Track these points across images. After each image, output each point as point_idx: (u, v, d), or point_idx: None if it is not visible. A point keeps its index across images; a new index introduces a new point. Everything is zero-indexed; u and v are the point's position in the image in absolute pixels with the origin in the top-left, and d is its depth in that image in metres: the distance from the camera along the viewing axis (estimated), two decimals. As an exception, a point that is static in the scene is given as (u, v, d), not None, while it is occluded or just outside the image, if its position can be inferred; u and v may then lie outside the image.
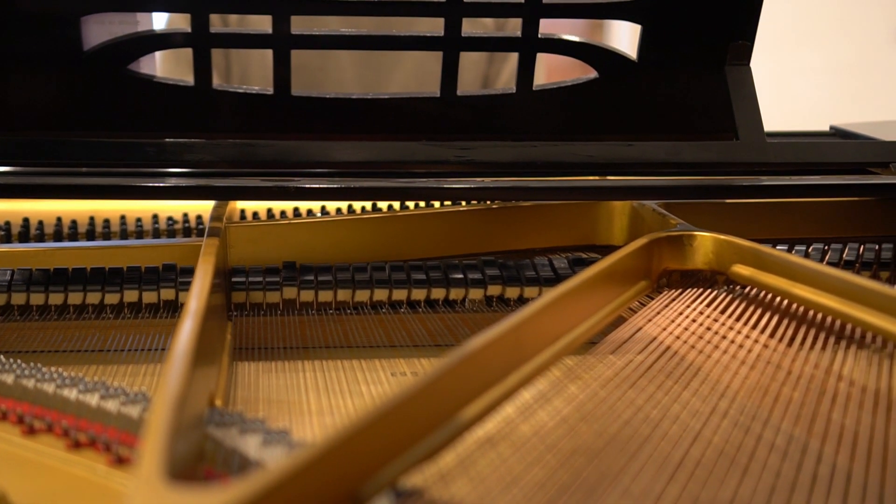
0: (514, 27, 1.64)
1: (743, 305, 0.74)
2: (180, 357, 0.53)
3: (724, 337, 0.69)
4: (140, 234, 0.98)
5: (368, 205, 1.02)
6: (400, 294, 0.83)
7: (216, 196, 0.88)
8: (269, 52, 0.88)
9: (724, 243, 0.79)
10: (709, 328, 0.70)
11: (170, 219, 0.99)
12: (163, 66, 1.76)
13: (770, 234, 0.93)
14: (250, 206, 1.01)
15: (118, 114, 0.89)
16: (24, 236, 0.96)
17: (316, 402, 0.69)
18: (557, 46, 0.92)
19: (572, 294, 0.67)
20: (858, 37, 4.02)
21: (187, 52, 0.88)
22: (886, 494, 0.48)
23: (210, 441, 0.55)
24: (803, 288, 0.72)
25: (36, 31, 0.86)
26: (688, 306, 0.75)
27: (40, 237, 0.96)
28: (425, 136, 0.91)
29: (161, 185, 0.82)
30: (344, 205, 1.03)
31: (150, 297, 0.80)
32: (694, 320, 0.72)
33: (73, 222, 0.97)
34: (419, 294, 0.84)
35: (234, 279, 0.82)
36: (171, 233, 0.98)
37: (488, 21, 1.86)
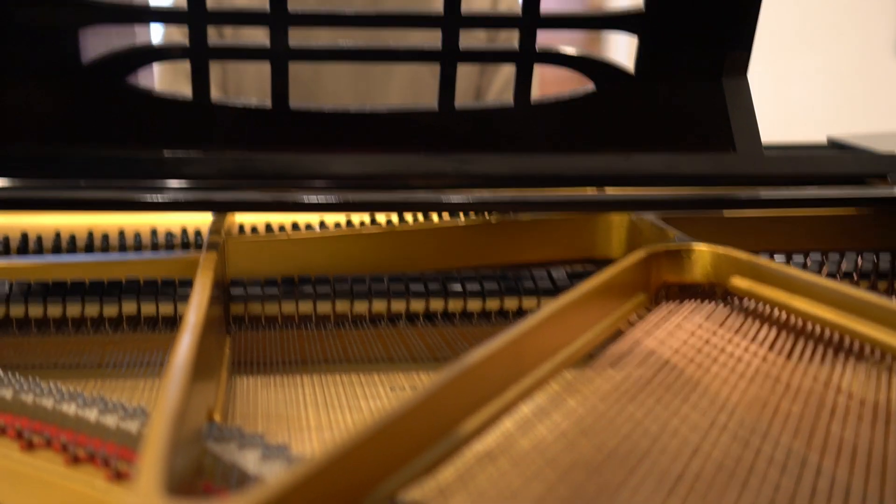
0: (505, 39, 1.65)
1: (741, 318, 0.74)
2: (179, 371, 0.53)
3: (722, 350, 0.69)
4: (139, 248, 0.98)
5: (367, 219, 1.02)
6: (399, 305, 0.83)
7: (214, 209, 0.88)
8: (264, 65, 0.88)
9: (723, 256, 0.79)
10: (707, 341, 0.70)
11: (168, 233, 0.99)
12: (161, 78, 1.76)
13: (768, 247, 0.93)
14: (249, 220, 1.01)
15: (116, 127, 0.89)
16: (23, 251, 0.96)
17: (315, 416, 0.69)
18: (555, 59, 0.92)
19: (571, 307, 0.67)
20: (857, 44, 4.03)
21: (185, 65, 0.88)
22: (886, 508, 0.48)
23: (209, 456, 0.55)
24: (802, 300, 0.72)
25: (34, 43, 0.86)
26: (686, 319, 0.74)
27: (39, 252, 0.96)
28: (424, 149, 0.91)
29: (159, 198, 0.82)
30: (343, 219, 1.03)
31: (148, 309, 0.81)
32: (692, 333, 0.72)
33: (72, 237, 0.97)
34: (418, 305, 0.84)
35: (232, 291, 0.82)
36: (170, 247, 0.98)
37: (480, 34, 1.86)
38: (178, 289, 0.81)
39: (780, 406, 0.60)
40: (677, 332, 0.72)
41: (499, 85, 1.91)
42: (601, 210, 0.95)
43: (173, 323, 0.81)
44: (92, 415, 0.61)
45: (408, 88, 1.86)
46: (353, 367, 0.79)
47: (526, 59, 0.91)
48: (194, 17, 0.86)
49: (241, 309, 0.82)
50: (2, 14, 0.85)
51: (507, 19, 0.92)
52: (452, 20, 0.89)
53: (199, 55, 0.88)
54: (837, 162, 0.95)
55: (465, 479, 0.51)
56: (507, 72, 1.78)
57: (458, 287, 0.84)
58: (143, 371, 0.78)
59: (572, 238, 0.97)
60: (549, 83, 1.44)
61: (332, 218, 1.03)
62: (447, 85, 0.91)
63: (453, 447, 0.52)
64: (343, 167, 0.88)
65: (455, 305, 0.84)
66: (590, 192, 0.95)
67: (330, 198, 0.84)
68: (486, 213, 0.95)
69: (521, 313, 0.85)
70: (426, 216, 0.98)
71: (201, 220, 1.00)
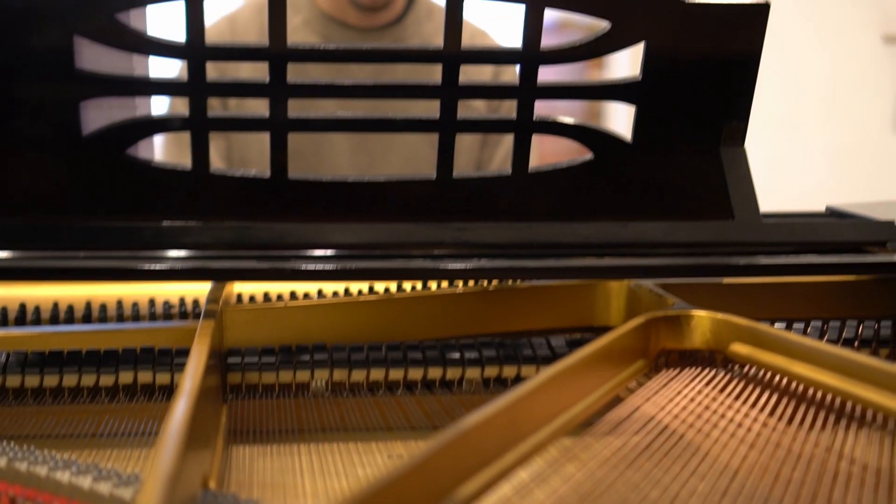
0: (508, 109, 1.66)
1: (742, 384, 0.74)
2: (173, 438, 0.53)
3: (723, 416, 0.68)
4: (137, 318, 0.98)
5: (365, 287, 1.02)
6: (397, 374, 0.83)
7: (212, 277, 0.88)
8: (267, 135, 0.89)
9: (722, 322, 0.79)
10: (707, 407, 0.70)
11: (166, 303, 0.99)
12: (167, 148, 1.77)
13: (768, 314, 0.92)
14: (247, 289, 1.01)
15: (116, 198, 0.89)
16: (21, 321, 0.95)
17: (311, 484, 0.69)
18: (553, 128, 0.93)
19: (569, 373, 0.67)
20: (857, 121, 4.06)
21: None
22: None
23: (202, 523, 0.54)
24: (802, 366, 0.71)
25: (35, 116, 0.87)
26: (686, 386, 0.74)
27: (37, 322, 0.95)
28: (422, 218, 0.91)
29: (158, 267, 0.82)
30: (341, 287, 1.03)
31: (145, 378, 0.80)
32: (692, 399, 0.71)
33: (70, 307, 0.97)
34: (416, 374, 0.83)
35: (229, 360, 0.82)
36: (168, 317, 0.98)
37: (480, 105, 1.88)
38: (175, 358, 0.81)
39: (781, 472, 0.60)
40: (677, 398, 0.72)
41: (500, 159, 1.93)
42: (599, 277, 0.95)
43: (170, 392, 0.81)
44: (86, 482, 0.60)
45: (408, 161, 1.87)
46: (351, 436, 0.78)
47: (524, 128, 0.92)
48: (194, 89, 0.87)
49: (238, 378, 0.82)
50: (3, 87, 0.86)
51: (505, 90, 0.92)
52: (451, 91, 0.90)
53: (198, 127, 0.88)
54: (836, 229, 0.95)
55: (461, 545, 0.51)
56: (508, 146, 1.80)
57: (456, 355, 0.84)
58: (140, 440, 0.77)
59: (571, 306, 0.97)
60: (547, 154, 1.44)
61: (330, 286, 1.03)
62: (445, 154, 0.92)
63: (450, 512, 0.52)
64: (341, 236, 0.88)
65: (453, 373, 0.84)
66: (588, 259, 0.95)
67: (328, 266, 0.84)
68: (484, 281, 0.95)
69: (519, 381, 0.84)
70: (424, 284, 0.97)
71: (200, 290, 1.00)
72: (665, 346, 0.80)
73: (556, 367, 0.65)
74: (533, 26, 0.88)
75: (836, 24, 4.01)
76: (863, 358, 0.68)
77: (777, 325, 0.90)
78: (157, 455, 0.51)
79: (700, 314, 0.80)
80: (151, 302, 1.00)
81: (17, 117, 0.87)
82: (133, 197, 0.89)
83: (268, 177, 0.90)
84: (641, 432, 0.65)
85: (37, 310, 0.96)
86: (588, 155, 0.94)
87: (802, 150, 4.05)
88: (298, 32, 1.87)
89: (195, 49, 0.86)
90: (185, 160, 0.90)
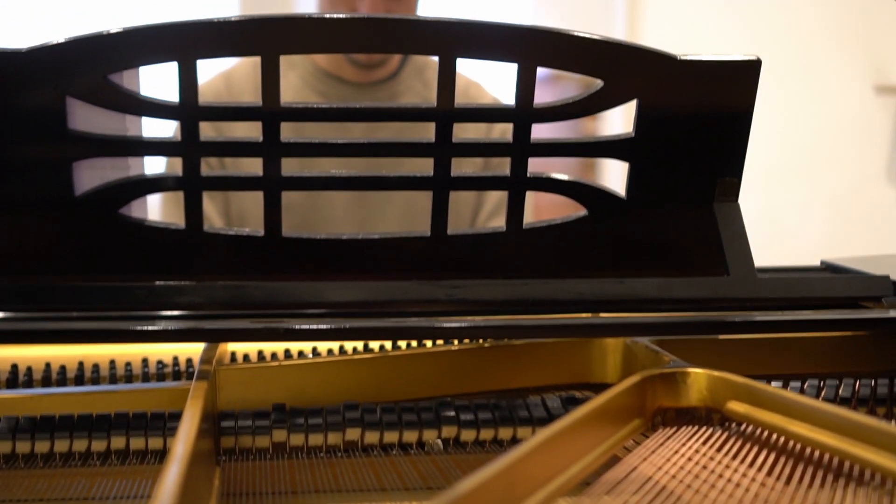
0: (497, 165, 1.66)
1: (740, 443, 0.73)
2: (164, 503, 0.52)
3: (720, 475, 0.68)
4: (130, 378, 0.97)
5: (360, 345, 1.02)
6: (392, 436, 0.82)
7: (206, 339, 0.87)
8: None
9: (718, 380, 0.78)
10: (705, 467, 0.69)
11: (159, 362, 0.99)
12: (164, 206, 1.77)
13: (765, 371, 0.92)
14: (241, 347, 1.00)
15: (109, 257, 0.89)
16: (13, 383, 0.95)
17: (305, 548, 0.68)
18: (547, 185, 0.93)
19: (565, 433, 0.66)
20: (850, 171, 4.08)
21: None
22: None
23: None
24: (800, 425, 0.71)
25: (28, 176, 0.87)
26: (683, 444, 0.74)
27: (29, 383, 0.95)
28: (417, 276, 0.91)
29: (151, 328, 0.82)
30: (335, 345, 1.02)
31: (137, 442, 0.79)
32: (690, 459, 0.71)
33: (62, 368, 0.96)
34: (411, 436, 0.83)
35: (223, 423, 0.81)
36: (161, 377, 0.97)
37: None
38: (167, 422, 0.80)
39: (780, 533, 0.59)
40: (674, 457, 0.71)
41: (491, 205, 1.92)
42: (595, 334, 0.95)
43: (163, 455, 0.80)
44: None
45: (405, 215, 1.87)
46: (345, 497, 0.78)
47: (518, 185, 0.92)
48: (188, 150, 0.87)
49: (231, 441, 0.81)
50: (-3, 147, 0.86)
51: (499, 147, 0.92)
52: (444, 149, 0.90)
53: (192, 186, 0.88)
54: (831, 285, 0.95)
55: None
56: (500, 193, 1.80)
57: (451, 414, 0.83)
58: (133, 503, 0.76)
59: (567, 363, 0.96)
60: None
61: (324, 344, 1.02)
62: (440, 211, 0.92)
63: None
64: (335, 294, 0.88)
65: (448, 433, 0.83)
66: (584, 316, 0.94)
67: (322, 325, 0.83)
68: (479, 338, 0.94)
69: (515, 442, 0.83)
70: (420, 342, 0.97)
71: (193, 349, 0.99)
72: (662, 404, 0.79)
73: (553, 427, 0.65)
74: (526, 84, 0.88)
75: (827, 75, 4.05)
76: (860, 417, 0.67)
77: (774, 382, 0.89)
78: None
79: (696, 372, 0.79)
80: (144, 361, 0.99)
81: (9, 178, 0.87)
82: (126, 256, 0.89)
83: (261, 235, 0.90)
84: (639, 493, 0.65)
85: (29, 370, 0.96)
86: (582, 211, 0.94)
87: (796, 201, 4.07)
88: (295, 88, 1.88)
89: (188, 109, 0.86)
90: (183, 217, 0.90)
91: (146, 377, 0.97)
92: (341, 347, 1.02)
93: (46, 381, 0.96)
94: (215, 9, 3.90)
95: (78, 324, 0.83)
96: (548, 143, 0.91)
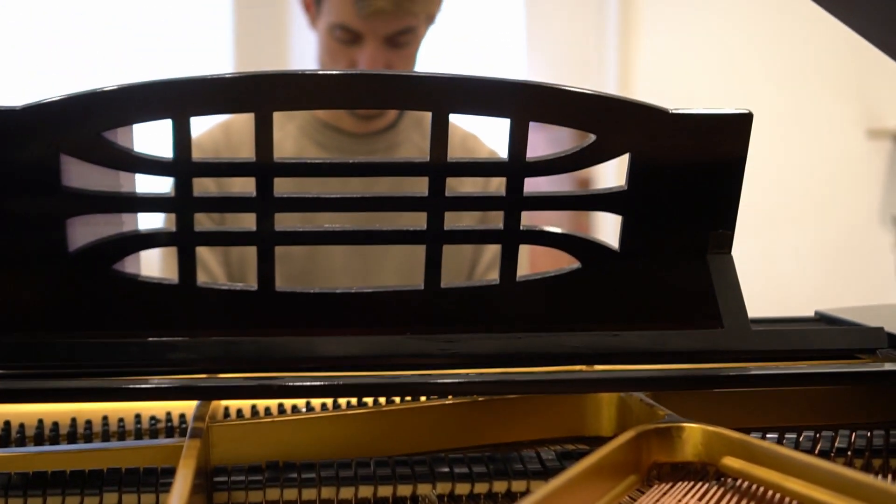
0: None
1: (735, 498, 0.73)
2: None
3: (716, 533, 0.67)
4: (123, 434, 0.97)
5: (353, 399, 1.01)
6: (385, 490, 0.82)
7: (199, 396, 0.87)
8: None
9: (713, 435, 0.78)
10: (701, 524, 0.69)
11: (152, 418, 0.98)
12: (164, 260, 1.76)
13: (760, 422, 0.92)
14: (235, 402, 1.00)
15: (102, 313, 0.89)
16: (5, 440, 0.94)
17: None
18: (540, 238, 0.93)
19: (562, 491, 0.66)
20: (843, 217, 4.09)
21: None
22: None
23: None
24: (795, 481, 0.71)
25: (20, 233, 0.87)
26: (679, 500, 0.73)
27: (21, 441, 0.94)
28: (410, 329, 0.91)
29: (144, 386, 0.81)
30: (329, 399, 1.02)
31: (130, 499, 0.79)
32: (685, 515, 0.70)
33: (55, 424, 0.96)
34: (405, 490, 0.82)
35: (216, 478, 0.81)
36: (154, 432, 0.97)
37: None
38: (160, 478, 0.80)
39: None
40: (670, 514, 0.71)
41: (490, 256, 1.93)
42: (590, 390, 0.95)
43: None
44: None
45: (404, 266, 1.87)
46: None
47: (511, 238, 0.92)
48: (181, 205, 0.87)
49: (224, 497, 0.81)
50: (-12, 203, 0.86)
51: (492, 200, 0.93)
52: (437, 202, 0.90)
53: (185, 242, 0.88)
54: (826, 337, 0.95)
55: None
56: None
57: (445, 470, 0.83)
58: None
59: (562, 416, 0.96)
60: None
61: (318, 398, 1.02)
62: (433, 265, 0.92)
63: None
64: (329, 349, 0.88)
65: (443, 488, 0.83)
66: (578, 369, 0.94)
67: (315, 382, 0.83)
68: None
69: (510, 495, 0.83)
70: (414, 396, 0.97)
71: (186, 404, 0.99)
72: (657, 459, 0.79)
73: (550, 485, 0.65)
74: (518, 138, 0.89)
75: (819, 120, 4.07)
76: (856, 475, 0.67)
77: (769, 434, 0.89)
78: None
79: (691, 427, 0.79)
80: (137, 417, 0.99)
81: (3, 233, 0.87)
82: (120, 312, 0.89)
83: (255, 290, 0.90)
84: (634, 552, 0.65)
85: (21, 427, 0.95)
86: (576, 263, 0.94)
87: (789, 246, 4.08)
88: (293, 138, 1.88)
89: (182, 165, 0.86)
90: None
91: (139, 433, 0.97)
92: (335, 401, 1.02)
93: (39, 437, 0.96)
94: (209, 60, 3.92)
95: (70, 382, 0.82)
96: (541, 197, 0.91)
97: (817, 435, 0.90)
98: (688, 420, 0.80)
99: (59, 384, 0.82)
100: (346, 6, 1.76)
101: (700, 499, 0.74)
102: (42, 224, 0.87)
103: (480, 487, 0.83)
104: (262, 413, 0.99)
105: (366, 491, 0.82)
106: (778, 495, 0.71)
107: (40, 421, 0.97)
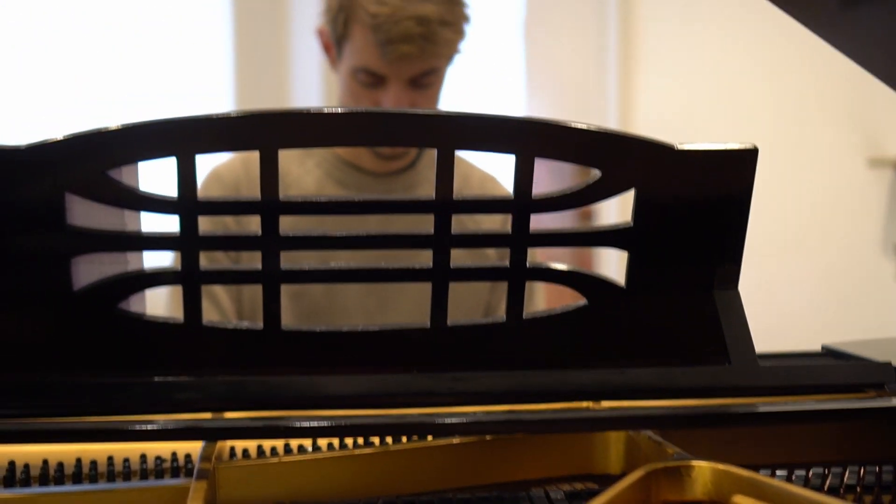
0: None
1: (746, 538, 0.72)
2: None
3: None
4: (128, 474, 0.96)
5: (360, 438, 1.01)
6: (393, 532, 0.81)
7: (205, 437, 0.87)
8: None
9: (723, 473, 0.78)
10: (712, 564, 0.68)
11: (158, 458, 0.98)
12: (171, 298, 1.74)
13: (770, 459, 0.91)
14: (241, 442, 0.99)
15: (107, 353, 0.88)
16: (10, 481, 0.94)
17: None
18: (546, 275, 0.93)
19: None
20: (845, 246, 4.08)
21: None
22: None
23: None
24: (806, 520, 0.70)
25: (25, 271, 0.87)
26: (689, 540, 0.73)
27: (26, 481, 0.94)
28: (417, 368, 0.90)
29: (149, 427, 0.81)
30: (336, 438, 1.02)
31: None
32: (696, 556, 0.70)
33: (60, 464, 0.95)
34: (413, 531, 0.82)
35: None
36: (160, 472, 0.96)
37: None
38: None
39: None
40: (681, 555, 0.70)
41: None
42: (598, 428, 0.94)
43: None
44: None
45: (419, 302, 1.85)
46: None
47: (517, 275, 0.92)
48: (186, 244, 0.87)
49: (231, 539, 0.80)
50: (-6, 242, 0.86)
51: (498, 238, 0.93)
52: (442, 240, 0.90)
53: (190, 280, 0.88)
54: (833, 372, 0.95)
55: None
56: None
57: (454, 510, 0.83)
58: None
59: (569, 453, 0.96)
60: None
61: (324, 438, 1.02)
62: (439, 303, 0.92)
63: None
64: (335, 388, 0.87)
65: (451, 529, 0.82)
66: (586, 405, 0.94)
67: (322, 423, 0.83)
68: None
69: (519, 536, 0.83)
70: (422, 435, 0.96)
71: (192, 444, 0.98)
72: (666, 498, 0.79)
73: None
74: (524, 175, 0.89)
75: (820, 149, 4.07)
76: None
77: (779, 471, 0.88)
78: None
79: (700, 465, 0.79)
80: (143, 457, 0.98)
81: (8, 272, 0.87)
82: (125, 351, 0.89)
83: (260, 328, 0.90)
84: None
85: (26, 468, 0.95)
86: (582, 300, 0.93)
87: (790, 276, 4.07)
88: (314, 176, 1.86)
89: (187, 203, 0.86)
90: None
91: (145, 473, 0.96)
92: (342, 440, 1.01)
93: (44, 478, 0.95)
94: (212, 97, 3.92)
95: (75, 422, 0.82)
96: (547, 234, 0.91)
97: (826, 471, 0.89)
98: (697, 458, 0.80)
99: (64, 424, 0.82)
100: (370, 50, 1.74)
101: (710, 538, 0.73)
102: (47, 263, 0.87)
103: (489, 528, 0.82)
104: (268, 453, 0.98)
105: (373, 531, 0.81)
106: (789, 535, 0.71)
107: (45, 461, 0.96)
